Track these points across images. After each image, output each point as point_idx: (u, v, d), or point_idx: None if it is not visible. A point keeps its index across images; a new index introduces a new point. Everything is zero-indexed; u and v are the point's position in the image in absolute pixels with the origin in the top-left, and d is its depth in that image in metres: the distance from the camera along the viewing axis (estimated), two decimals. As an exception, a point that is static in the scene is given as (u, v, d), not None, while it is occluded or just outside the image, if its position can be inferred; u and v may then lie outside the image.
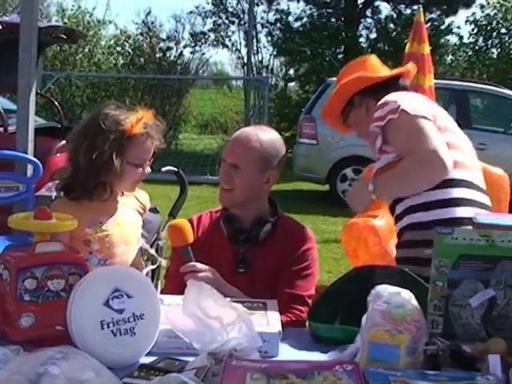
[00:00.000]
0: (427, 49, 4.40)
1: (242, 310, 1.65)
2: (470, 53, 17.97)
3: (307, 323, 1.99)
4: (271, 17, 18.33)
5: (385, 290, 1.64)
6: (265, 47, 19.28)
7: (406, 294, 1.63)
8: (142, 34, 17.79)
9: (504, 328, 1.66)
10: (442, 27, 17.52)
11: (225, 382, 1.38)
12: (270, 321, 1.81)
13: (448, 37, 18.02)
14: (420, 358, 1.56)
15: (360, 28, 17.95)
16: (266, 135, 2.37)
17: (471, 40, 17.81)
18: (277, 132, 2.47)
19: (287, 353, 1.76)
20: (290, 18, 18.07)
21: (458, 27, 18.08)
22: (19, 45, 3.20)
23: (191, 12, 18.65)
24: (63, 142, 5.33)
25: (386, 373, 1.44)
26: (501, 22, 17.15)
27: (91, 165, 2.41)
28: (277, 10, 18.24)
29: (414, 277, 1.94)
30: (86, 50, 16.93)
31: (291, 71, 18.72)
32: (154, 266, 2.79)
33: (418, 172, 2.29)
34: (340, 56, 17.19)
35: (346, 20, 17.54)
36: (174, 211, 3.43)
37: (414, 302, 1.63)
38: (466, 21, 17.56)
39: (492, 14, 17.38)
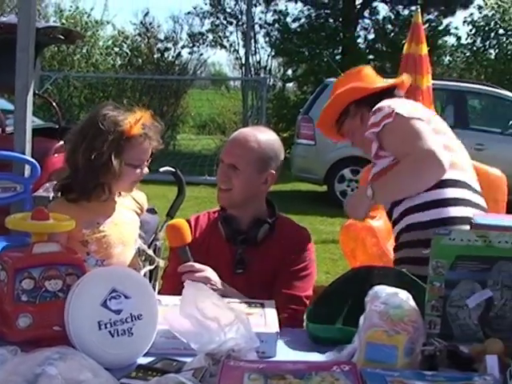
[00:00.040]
0: (425, 49, 4.41)
1: (240, 310, 1.65)
2: (467, 54, 17.98)
3: (305, 324, 1.99)
4: (269, 17, 18.37)
5: (382, 290, 1.65)
6: (263, 48, 19.34)
7: (404, 295, 1.64)
8: (139, 34, 17.78)
9: (501, 328, 1.66)
10: (440, 28, 17.54)
11: (222, 383, 1.38)
12: (268, 321, 1.81)
13: (446, 38, 18.07)
14: (417, 358, 1.56)
15: (358, 29, 17.97)
16: (264, 136, 2.38)
17: (469, 41, 17.84)
18: (275, 133, 2.48)
19: (285, 353, 1.76)
20: (288, 19, 18.10)
21: (456, 28, 18.14)
22: (17, 45, 3.19)
23: (189, 13, 18.66)
24: (61, 142, 5.34)
25: (383, 373, 1.44)
26: (499, 22, 17.16)
27: (90, 166, 2.41)
28: (275, 11, 18.26)
29: (411, 277, 1.95)
30: (84, 51, 16.91)
31: (289, 72, 18.74)
32: (152, 267, 2.80)
33: (416, 172, 2.32)
34: (338, 57, 17.20)
35: (344, 21, 17.54)
36: (171, 212, 3.43)
37: (412, 302, 1.63)
38: (464, 22, 17.60)
39: (490, 14, 17.39)
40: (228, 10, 18.61)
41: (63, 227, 1.90)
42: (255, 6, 17.86)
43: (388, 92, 2.60)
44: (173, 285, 2.18)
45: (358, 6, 17.87)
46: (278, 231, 2.38)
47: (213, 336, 1.56)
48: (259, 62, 17.96)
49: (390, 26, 17.83)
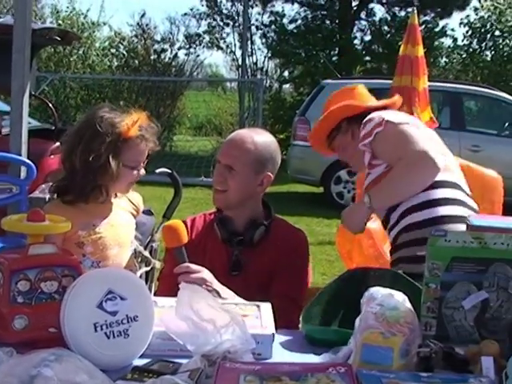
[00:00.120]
0: (421, 51, 4.42)
1: (235, 312, 1.65)
2: (464, 55, 18.02)
3: (301, 325, 1.99)
4: (266, 19, 18.39)
5: (378, 292, 1.64)
6: (259, 49, 19.34)
7: (400, 296, 1.64)
8: (136, 35, 17.78)
9: (497, 330, 1.66)
10: (436, 29, 17.58)
11: (218, 384, 1.38)
12: (264, 323, 1.81)
13: (442, 39, 18.13)
14: (413, 360, 1.56)
15: (354, 30, 18.00)
16: (261, 138, 2.38)
17: (465, 42, 17.90)
18: (271, 134, 2.48)
19: (280, 355, 1.76)
20: (285, 20, 18.11)
21: (452, 29, 18.29)
22: (13, 46, 3.19)
23: (186, 14, 18.67)
24: (57, 143, 5.34)
25: (379, 375, 1.44)
26: (495, 24, 17.21)
27: (87, 167, 2.41)
28: (271, 12, 18.27)
29: (407, 279, 1.95)
30: (81, 52, 16.89)
31: (286, 73, 18.77)
32: (148, 268, 2.79)
33: (412, 173, 2.38)
34: (334, 58, 17.23)
35: (341, 22, 17.56)
36: (168, 213, 3.43)
37: (408, 304, 1.63)
38: (460, 23, 17.66)
39: (486, 16, 17.44)
40: (224, 12, 18.65)
41: (59, 229, 1.89)
42: (252, 7, 17.89)
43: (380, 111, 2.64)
44: (169, 286, 2.18)
45: (355, 8, 17.90)
46: (274, 233, 2.39)
47: (209, 338, 1.56)
48: (256, 64, 17.98)
49: (386, 28, 17.87)
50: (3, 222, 1.84)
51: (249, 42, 17.46)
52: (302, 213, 8.79)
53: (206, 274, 2.18)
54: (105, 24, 17.97)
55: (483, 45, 17.48)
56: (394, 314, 1.57)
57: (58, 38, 5.98)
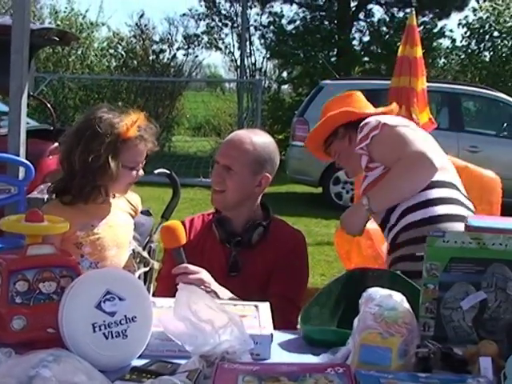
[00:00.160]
0: (420, 52, 4.41)
1: (234, 312, 1.65)
2: (462, 56, 18.03)
3: (299, 326, 1.99)
4: (264, 19, 18.38)
5: (376, 292, 1.65)
6: (258, 50, 19.35)
7: (398, 297, 1.64)
8: (135, 36, 17.78)
9: (495, 330, 1.66)
10: (435, 30, 17.59)
11: (216, 385, 1.38)
12: (262, 323, 1.81)
13: (440, 40, 18.14)
14: (411, 360, 1.56)
15: (353, 31, 18.00)
16: (260, 138, 2.38)
17: (464, 43, 17.90)
18: (270, 135, 2.48)
19: (279, 355, 1.76)
20: (283, 21, 18.12)
21: (451, 30, 18.19)
22: (11, 47, 3.19)
23: (184, 14, 18.67)
24: (55, 144, 5.33)
25: (377, 375, 1.44)
26: (493, 25, 17.22)
27: (86, 168, 2.41)
28: (270, 13, 18.26)
29: (405, 279, 1.95)
30: (79, 53, 16.88)
31: (284, 74, 18.75)
32: (147, 269, 2.79)
33: (410, 173, 2.40)
34: (333, 59, 17.24)
35: (339, 23, 17.56)
36: (166, 213, 3.43)
37: (406, 304, 1.63)
38: (459, 24, 17.65)
39: (484, 17, 17.45)
40: (223, 12, 18.64)
41: (57, 229, 1.89)
42: (250, 8, 17.87)
43: None
44: (167, 287, 2.18)
45: (353, 9, 17.90)
46: (272, 234, 2.39)
47: (207, 338, 1.56)
48: (254, 64, 17.98)
49: (384, 29, 17.87)
50: (1, 223, 1.84)
51: (247, 42, 17.46)
52: (301, 213, 8.79)
53: (204, 274, 2.18)
54: (103, 24, 18.00)
55: (482, 46, 17.49)
56: (392, 315, 1.57)
57: (57, 39, 5.98)
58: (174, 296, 1.69)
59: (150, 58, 17.32)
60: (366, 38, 18.07)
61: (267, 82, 18.21)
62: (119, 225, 2.57)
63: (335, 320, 1.97)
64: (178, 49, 17.96)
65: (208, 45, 18.71)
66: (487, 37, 17.31)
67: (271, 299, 2.06)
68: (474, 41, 17.56)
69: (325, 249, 7.00)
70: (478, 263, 1.65)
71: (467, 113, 11.41)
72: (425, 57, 4.66)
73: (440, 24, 17.73)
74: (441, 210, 2.41)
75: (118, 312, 1.65)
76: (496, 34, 17.21)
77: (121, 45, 17.67)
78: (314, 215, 8.94)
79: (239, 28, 17.59)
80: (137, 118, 2.46)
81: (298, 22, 17.99)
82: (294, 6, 18.19)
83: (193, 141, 17.95)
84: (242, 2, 16.80)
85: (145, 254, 2.77)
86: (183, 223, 2.39)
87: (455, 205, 2.45)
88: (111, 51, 17.69)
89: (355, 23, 18.04)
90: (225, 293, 2.17)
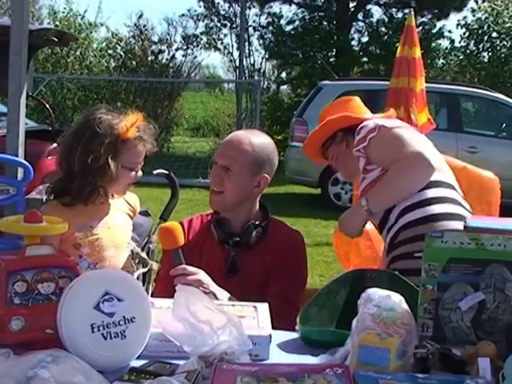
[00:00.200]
0: (418, 52, 4.41)
1: (232, 313, 1.65)
2: (461, 56, 18.04)
3: (298, 326, 1.99)
4: (263, 20, 18.39)
5: (375, 293, 1.65)
6: (257, 50, 19.37)
7: (397, 298, 1.64)
8: (133, 36, 17.78)
9: (493, 331, 1.66)
10: (434, 31, 17.59)
11: (215, 386, 1.38)
12: (261, 324, 1.81)
13: (439, 40, 18.14)
14: (410, 361, 1.56)
15: (352, 31, 18.00)
16: (258, 139, 2.38)
17: (462, 44, 17.91)
18: (269, 136, 2.49)
19: (277, 356, 1.76)
20: (282, 22, 18.12)
21: (450, 31, 18.19)
22: (10, 48, 3.19)
23: (183, 15, 18.69)
24: (54, 144, 5.33)
25: (375, 376, 1.44)
26: (492, 25, 17.22)
27: (86, 169, 2.41)
28: (269, 14, 18.26)
29: (404, 280, 1.95)
30: (78, 53, 16.87)
31: (283, 74, 18.76)
32: (145, 270, 2.79)
33: (408, 173, 2.43)
34: (332, 59, 17.24)
35: (338, 23, 17.57)
36: (165, 214, 3.43)
37: (404, 305, 1.63)
38: (458, 24, 17.65)
39: (483, 17, 17.45)
40: (222, 13, 18.63)
41: (56, 230, 1.89)
42: (249, 8, 17.87)
43: None
44: (166, 287, 2.18)
45: (352, 9, 17.90)
46: (271, 234, 2.39)
47: (205, 339, 1.56)
48: (253, 65, 17.98)
49: (383, 29, 17.87)
50: (0, 223, 1.84)
51: (246, 43, 17.46)
52: (300, 214, 8.79)
53: (202, 276, 2.18)
54: (102, 25, 18.00)
55: (480, 46, 17.49)
56: (390, 315, 1.57)
57: (56, 39, 5.99)
58: (172, 297, 1.69)
59: (149, 58, 17.33)
60: (365, 39, 18.09)
61: (266, 83, 18.22)
62: (117, 225, 2.57)
63: (334, 321, 1.97)
64: (176, 49, 18.00)
65: (207, 45, 18.73)
66: (486, 37, 17.31)
67: (270, 300, 2.06)
68: (472, 41, 17.57)
69: (324, 249, 7.00)
70: (476, 264, 1.65)
71: (466, 113, 11.42)
72: (423, 57, 4.66)
73: (439, 24, 17.78)
74: (438, 208, 2.43)
75: (117, 313, 1.65)
76: (495, 34, 17.22)
77: (119, 45, 17.66)
78: (313, 216, 8.94)
79: (238, 28, 17.58)
80: (136, 118, 2.46)
81: (296, 23, 18.01)
82: (293, 7, 18.22)
83: (191, 141, 17.96)
84: (241, 3, 16.80)
85: (143, 254, 2.77)
86: (181, 224, 2.39)
87: (453, 204, 2.46)
88: (110, 52, 17.69)
89: (354, 24, 18.04)
90: (223, 294, 2.17)
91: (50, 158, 5.44)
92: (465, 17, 17.67)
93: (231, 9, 18.42)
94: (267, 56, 18.20)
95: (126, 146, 2.44)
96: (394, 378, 1.44)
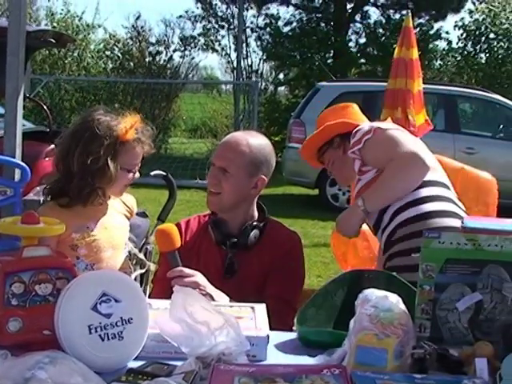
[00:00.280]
0: (416, 54, 4.41)
1: (230, 314, 1.65)
2: (458, 58, 18.06)
3: (295, 327, 2.00)
4: (261, 21, 18.40)
5: (372, 293, 1.65)
6: (254, 52, 19.37)
7: (394, 298, 1.64)
8: (131, 38, 17.77)
9: (491, 331, 1.66)
10: (431, 32, 17.61)
11: (212, 386, 1.38)
12: (258, 325, 1.81)
13: (437, 42, 18.16)
14: (407, 361, 1.56)
15: (349, 33, 18.02)
16: (256, 140, 2.38)
17: (460, 45, 17.93)
18: (266, 137, 2.49)
19: (275, 356, 1.76)
20: (280, 23, 18.13)
21: (447, 32, 18.28)
22: (7, 49, 3.18)
23: (181, 16, 18.69)
24: (52, 146, 5.33)
25: (373, 376, 1.44)
26: (489, 26, 17.24)
27: (85, 170, 2.41)
28: (266, 15, 18.28)
29: (401, 281, 1.95)
30: (75, 54, 16.87)
31: (281, 76, 18.77)
32: (143, 271, 2.79)
33: (403, 173, 2.45)
34: (329, 61, 17.26)
35: (336, 25, 17.58)
36: (162, 215, 3.43)
37: (402, 305, 1.63)
38: (455, 26, 17.67)
39: (480, 19, 17.48)
40: (220, 14, 18.64)
41: (53, 231, 1.89)
42: (247, 9, 17.91)
43: None
44: (163, 288, 2.18)
45: (350, 10, 17.92)
46: (268, 235, 2.39)
47: (203, 340, 1.56)
48: (251, 66, 17.98)
49: (381, 30, 17.89)
50: (-3, 225, 1.84)
51: (244, 44, 17.48)
52: (297, 215, 8.80)
53: (199, 277, 2.18)
54: (100, 26, 17.99)
55: (478, 47, 17.52)
56: (388, 316, 1.57)
57: (53, 40, 5.98)
58: (170, 298, 1.69)
59: (147, 59, 17.32)
60: (363, 40, 18.11)
61: (263, 84, 18.23)
62: (115, 226, 2.57)
63: (331, 321, 1.97)
64: (174, 51, 18.00)
65: (204, 47, 18.74)
66: (483, 38, 17.34)
67: (267, 301, 2.06)
68: (470, 42, 17.59)
69: (321, 250, 7.00)
70: (473, 264, 1.66)
71: (463, 114, 11.44)
72: (421, 59, 4.67)
73: (436, 26, 17.80)
74: (433, 206, 2.45)
75: (114, 314, 1.65)
76: (492, 35, 17.24)
77: (117, 47, 17.65)
78: (311, 217, 8.95)
79: (235, 30, 17.60)
80: (134, 120, 2.46)
81: (294, 24, 18.03)
82: (291, 8, 18.26)
83: (189, 143, 17.96)
84: (239, 4, 16.83)
85: (141, 255, 2.77)
86: (179, 225, 2.39)
87: (446, 202, 2.49)
88: (107, 53, 17.69)
89: (351, 25, 18.07)
90: (220, 295, 2.17)
91: (47, 159, 5.44)
92: (462, 18, 17.73)
93: (229, 10, 18.45)
94: (265, 57, 18.22)
95: (124, 148, 2.45)
96: (392, 379, 1.44)
